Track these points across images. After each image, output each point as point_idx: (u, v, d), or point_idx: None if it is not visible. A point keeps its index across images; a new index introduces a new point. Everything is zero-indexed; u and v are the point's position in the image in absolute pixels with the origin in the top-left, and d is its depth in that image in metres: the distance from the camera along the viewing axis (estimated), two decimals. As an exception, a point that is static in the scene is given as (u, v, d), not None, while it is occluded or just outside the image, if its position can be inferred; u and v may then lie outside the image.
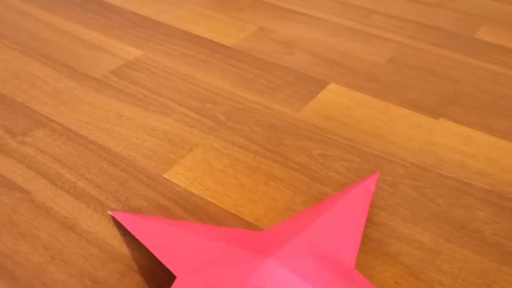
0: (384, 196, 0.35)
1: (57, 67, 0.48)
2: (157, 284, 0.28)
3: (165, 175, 0.36)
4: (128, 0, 0.65)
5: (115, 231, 0.31)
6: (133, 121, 0.41)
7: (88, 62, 0.50)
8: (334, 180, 0.36)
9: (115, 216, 0.31)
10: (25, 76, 0.46)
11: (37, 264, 0.28)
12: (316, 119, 0.43)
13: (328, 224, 0.29)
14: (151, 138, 0.39)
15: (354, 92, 0.47)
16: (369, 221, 0.33)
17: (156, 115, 0.42)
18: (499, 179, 0.37)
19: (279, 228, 0.29)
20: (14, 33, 0.54)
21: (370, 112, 0.44)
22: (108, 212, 0.31)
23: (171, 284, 0.28)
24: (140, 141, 0.39)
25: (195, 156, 0.38)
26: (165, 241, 0.28)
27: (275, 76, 0.49)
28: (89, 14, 0.60)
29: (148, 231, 0.29)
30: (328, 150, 0.39)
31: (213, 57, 0.52)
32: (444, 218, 0.34)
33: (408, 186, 0.36)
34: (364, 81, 0.49)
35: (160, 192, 0.34)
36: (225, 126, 0.41)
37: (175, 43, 0.54)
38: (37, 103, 0.42)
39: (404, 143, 0.41)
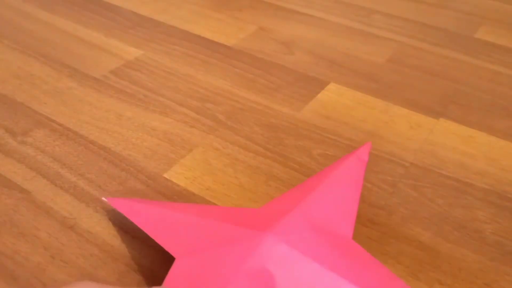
0: (384, 196, 0.35)
1: (57, 67, 0.48)
2: (157, 284, 0.28)
3: (165, 175, 0.36)
4: (128, 0, 0.65)
5: (115, 231, 0.31)
6: (133, 121, 0.41)
7: (88, 62, 0.50)
8: (334, 180, 0.36)
9: (110, 203, 0.31)
10: (25, 76, 0.46)
11: (37, 264, 0.28)
12: (316, 119, 0.43)
13: (323, 197, 0.29)
14: (151, 138, 0.39)
15: (354, 92, 0.47)
16: (369, 221, 0.33)
17: (156, 115, 0.42)
18: (499, 179, 0.37)
19: (274, 203, 0.29)
20: (14, 33, 0.54)
21: (370, 112, 0.44)
22: (103, 198, 0.31)
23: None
24: (140, 141, 0.39)
25: (195, 156, 0.38)
26: (162, 223, 0.27)
27: (275, 76, 0.49)
28: (89, 14, 0.60)
29: (144, 215, 0.29)
30: (328, 150, 0.39)
31: (213, 57, 0.52)
32: (444, 218, 0.34)
33: (408, 186, 0.36)
34: (364, 81, 0.49)
35: (160, 192, 0.34)
36: (225, 126, 0.41)
37: (175, 43, 0.54)
38: (37, 103, 0.42)
39: (404, 143, 0.41)
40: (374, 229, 0.32)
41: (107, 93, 0.45)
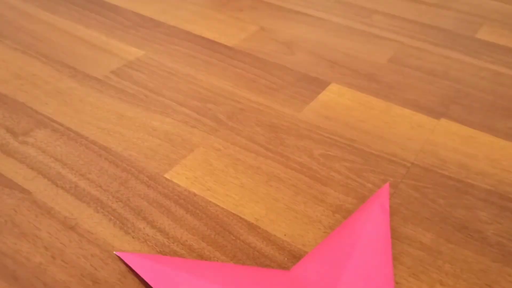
0: (385, 196, 0.35)
1: (58, 67, 0.48)
2: (158, 284, 0.28)
3: (166, 175, 0.36)
4: (129, 0, 0.65)
5: (116, 231, 0.31)
6: (134, 121, 0.41)
7: (89, 62, 0.50)
8: (335, 180, 0.36)
9: (121, 257, 0.29)
10: (27, 76, 0.46)
11: (38, 264, 0.28)
12: (317, 119, 0.43)
13: (358, 269, 0.27)
14: (152, 138, 0.39)
15: (355, 92, 0.47)
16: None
17: (157, 115, 0.42)
18: (500, 180, 0.37)
19: (306, 270, 0.28)
20: (15, 33, 0.54)
21: (371, 112, 0.44)
22: (115, 252, 0.29)
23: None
24: (141, 141, 0.39)
25: (196, 156, 0.38)
26: None
27: (276, 76, 0.49)
28: (90, 14, 0.60)
29: (158, 276, 0.27)
30: (329, 150, 0.39)
31: (214, 57, 0.52)
32: (446, 218, 0.34)
33: (409, 186, 0.36)
34: (365, 81, 0.49)
35: (161, 192, 0.34)
36: (226, 126, 0.41)
37: (176, 43, 0.54)
38: (39, 103, 0.43)
39: (405, 143, 0.41)
40: (375, 230, 0.32)
41: (108, 93, 0.45)
